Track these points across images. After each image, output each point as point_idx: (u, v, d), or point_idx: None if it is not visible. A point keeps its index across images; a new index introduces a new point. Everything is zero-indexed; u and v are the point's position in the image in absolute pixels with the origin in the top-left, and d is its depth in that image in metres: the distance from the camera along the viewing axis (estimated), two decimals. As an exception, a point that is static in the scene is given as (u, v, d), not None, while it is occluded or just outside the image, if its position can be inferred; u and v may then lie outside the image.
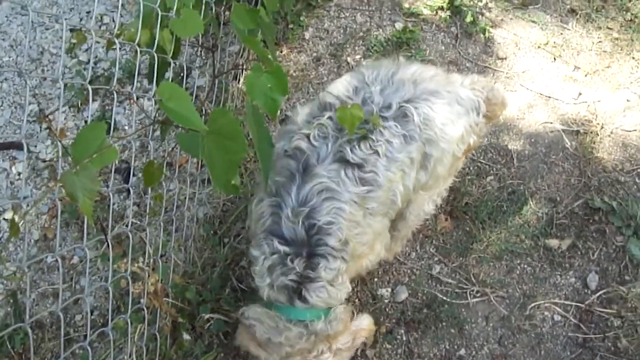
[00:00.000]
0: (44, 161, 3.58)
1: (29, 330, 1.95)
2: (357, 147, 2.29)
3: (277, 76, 2.26)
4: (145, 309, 2.62)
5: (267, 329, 2.37)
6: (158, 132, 3.27)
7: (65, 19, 3.46)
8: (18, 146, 3.17)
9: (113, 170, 2.60)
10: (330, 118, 2.33)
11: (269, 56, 2.41)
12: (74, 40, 2.72)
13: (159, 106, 2.04)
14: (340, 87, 2.45)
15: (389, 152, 2.32)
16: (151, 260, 2.77)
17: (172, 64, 2.63)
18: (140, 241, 3.09)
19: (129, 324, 2.53)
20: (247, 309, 2.43)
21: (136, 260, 2.71)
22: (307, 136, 2.32)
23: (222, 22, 3.13)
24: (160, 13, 2.35)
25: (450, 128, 2.45)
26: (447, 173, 2.65)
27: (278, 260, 2.30)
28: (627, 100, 3.83)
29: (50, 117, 3.70)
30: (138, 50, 2.36)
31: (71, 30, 3.65)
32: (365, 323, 2.53)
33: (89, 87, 2.08)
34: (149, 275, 2.64)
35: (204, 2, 2.81)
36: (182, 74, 3.05)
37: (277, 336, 2.35)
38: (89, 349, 2.29)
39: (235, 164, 2.11)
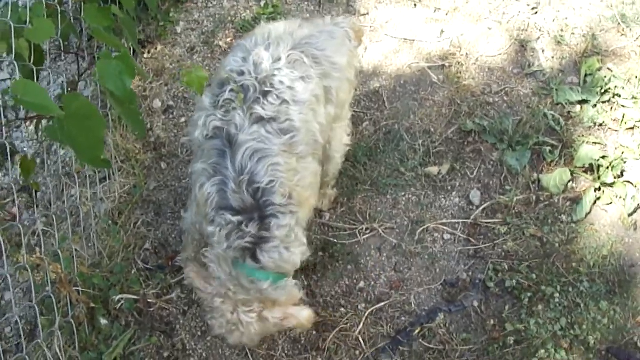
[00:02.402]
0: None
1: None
2: (266, 102, 2.62)
3: (124, 61, 2.73)
4: (53, 296, 3.03)
5: (221, 270, 2.64)
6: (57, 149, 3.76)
7: None
8: None
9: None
10: (232, 90, 2.67)
11: (131, 45, 2.79)
12: None
13: (15, 102, 2.49)
14: (231, 61, 2.80)
15: (295, 97, 2.68)
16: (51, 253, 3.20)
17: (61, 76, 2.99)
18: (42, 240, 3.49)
19: (37, 312, 2.94)
20: (209, 251, 2.69)
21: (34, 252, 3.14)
22: (220, 114, 2.64)
23: (83, 28, 3.56)
24: (12, 25, 2.63)
25: (337, 58, 2.93)
26: (349, 97, 3.20)
27: (233, 228, 2.56)
28: (489, 29, 4.31)
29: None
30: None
31: None
32: (303, 314, 2.71)
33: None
34: (49, 265, 3.06)
35: (59, 10, 3.23)
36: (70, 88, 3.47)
37: (227, 280, 2.62)
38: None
39: (98, 140, 2.58)
